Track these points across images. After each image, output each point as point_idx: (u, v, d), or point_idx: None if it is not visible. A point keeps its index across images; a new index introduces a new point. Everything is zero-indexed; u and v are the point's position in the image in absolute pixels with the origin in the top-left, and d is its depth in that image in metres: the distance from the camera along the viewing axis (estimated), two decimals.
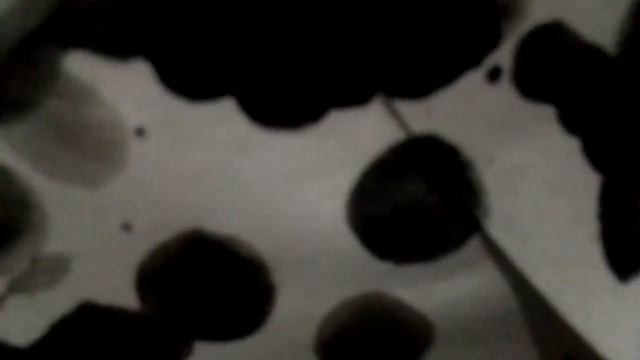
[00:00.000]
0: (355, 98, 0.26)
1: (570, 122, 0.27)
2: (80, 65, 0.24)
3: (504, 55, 0.25)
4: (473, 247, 0.28)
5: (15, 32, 0.23)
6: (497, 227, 0.28)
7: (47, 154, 0.25)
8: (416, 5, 0.25)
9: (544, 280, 0.28)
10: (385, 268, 0.28)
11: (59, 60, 0.23)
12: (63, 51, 0.23)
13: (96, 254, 0.27)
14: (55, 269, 0.27)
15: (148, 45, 0.24)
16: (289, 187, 0.27)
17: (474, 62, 0.25)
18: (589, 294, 0.28)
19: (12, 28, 0.23)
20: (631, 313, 0.29)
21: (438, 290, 0.29)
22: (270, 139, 0.26)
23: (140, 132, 0.25)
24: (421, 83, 0.26)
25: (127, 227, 0.26)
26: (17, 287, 0.27)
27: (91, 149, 0.25)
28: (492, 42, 0.25)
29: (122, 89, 0.24)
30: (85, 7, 0.23)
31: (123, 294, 0.28)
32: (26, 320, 0.28)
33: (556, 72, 0.26)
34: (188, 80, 0.24)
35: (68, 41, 0.23)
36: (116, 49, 0.24)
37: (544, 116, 0.27)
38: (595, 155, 0.27)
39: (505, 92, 0.26)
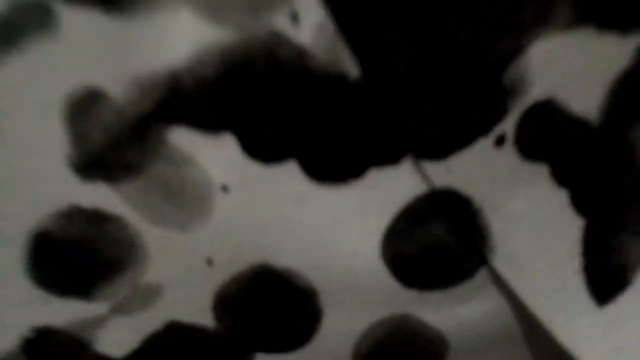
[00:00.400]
0: (390, 159, 0.26)
1: (560, 178, 0.27)
2: (182, 137, 0.24)
3: (508, 126, 0.26)
4: (481, 277, 0.29)
5: (134, 113, 0.23)
6: (500, 262, 0.28)
7: (152, 206, 0.25)
8: (440, 91, 0.25)
9: (538, 305, 0.29)
10: (410, 294, 0.29)
11: (165, 133, 0.24)
12: (169, 126, 0.24)
13: (183, 283, 0.27)
14: (149, 295, 0.27)
15: (233, 122, 0.24)
16: (336, 229, 0.27)
17: (484, 131, 0.26)
18: (574, 316, 0.29)
19: (131, 110, 0.23)
20: (607, 332, 0.29)
21: (452, 313, 0.29)
22: (322, 192, 0.26)
23: (224, 188, 0.25)
24: (442, 147, 0.26)
25: (209, 262, 0.27)
26: (118, 309, 0.27)
27: (186, 201, 0.25)
28: (499, 116, 0.25)
29: (212, 155, 0.25)
30: (188, 95, 0.23)
31: (202, 315, 0.28)
32: (123, 336, 0.28)
33: (549, 138, 0.26)
34: (262, 148, 0.25)
35: (173, 119, 0.24)
36: (210, 125, 0.24)
37: (539, 173, 0.27)
38: (580, 204, 0.28)
39: (509, 154, 0.26)
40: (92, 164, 0.24)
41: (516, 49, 0.24)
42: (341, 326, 0.29)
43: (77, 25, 0.22)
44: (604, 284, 0.29)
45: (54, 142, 0.23)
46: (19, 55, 0.22)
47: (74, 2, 0.21)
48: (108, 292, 0.27)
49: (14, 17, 0.21)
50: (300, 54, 0.23)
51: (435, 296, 0.29)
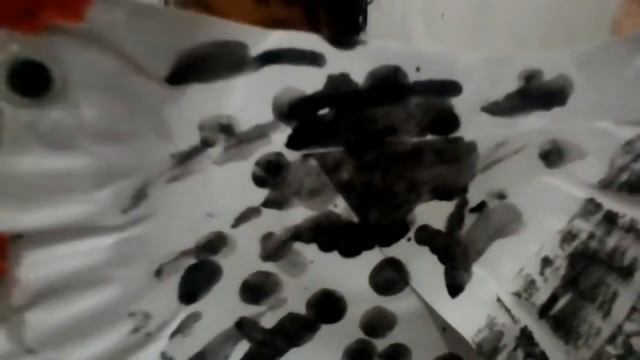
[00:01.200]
0: (370, 247, 0.42)
1: (437, 253, 0.42)
2: (297, 245, 0.41)
3: (411, 234, 0.42)
4: (409, 290, 0.44)
5: (283, 239, 0.39)
6: (415, 284, 0.43)
7: (286, 269, 0.42)
8: (386, 228, 0.40)
9: (430, 300, 0.43)
10: (382, 297, 0.44)
11: (292, 245, 0.41)
12: (294, 242, 0.40)
13: (296, 297, 0.43)
14: (283, 302, 0.43)
15: (318, 241, 0.40)
16: (353, 276, 0.43)
17: (401, 237, 0.41)
18: (444, 303, 0.42)
19: (280, 238, 0.39)
20: (458, 307, 0.41)
21: (399, 304, 0.44)
22: (347, 262, 0.42)
23: (312, 262, 0.41)
24: (389, 241, 0.42)
25: (305, 289, 0.43)
26: (270, 308, 0.43)
27: (299, 268, 0.41)
28: (405, 232, 0.41)
29: (312, 253, 0.41)
30: (299, 236, 0.38)
31: (301, 308, 0.44)
32: (271, 320, 0.44)
33: (429, 241, 0.41)
34: (327, 248, 0.40)
35: (296, 240, 0.39)
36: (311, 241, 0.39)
37: (427, 252, 0.43)
38: (442, 260, 0.43)
39: (413, 245, 0.42)
40: (270, 256, 0.42)
41: (408, 211, 0.41)
42: (355, 313, 0.44)
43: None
44: (454, 289, 0.42)
45: (253, 247, 0.40)
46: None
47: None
48: (267, 302, 0.43)
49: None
50: (338, 218, 0.40)
51: (392, 297, 0.44)
